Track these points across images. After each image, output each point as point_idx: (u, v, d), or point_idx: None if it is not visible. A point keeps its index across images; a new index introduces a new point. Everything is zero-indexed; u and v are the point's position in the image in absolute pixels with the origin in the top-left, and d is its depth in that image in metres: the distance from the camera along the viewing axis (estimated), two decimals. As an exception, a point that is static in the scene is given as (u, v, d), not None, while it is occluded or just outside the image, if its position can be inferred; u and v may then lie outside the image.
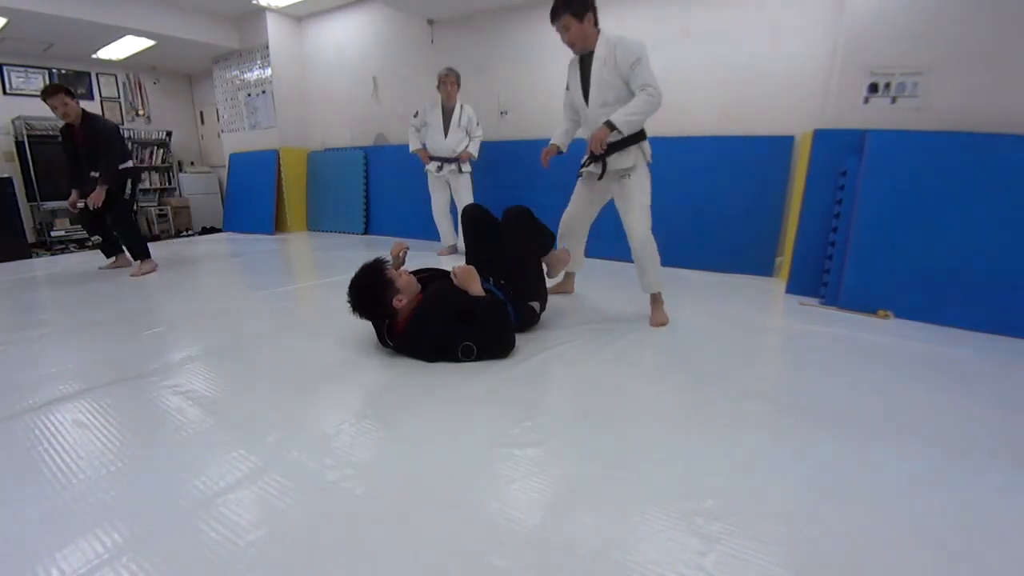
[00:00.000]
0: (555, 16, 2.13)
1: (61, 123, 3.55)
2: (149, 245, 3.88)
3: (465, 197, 3.99)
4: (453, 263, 2.18)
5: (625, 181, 2.24)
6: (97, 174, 3.47)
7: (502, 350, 1.88)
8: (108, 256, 3.90)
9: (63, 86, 3.39)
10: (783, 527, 1.01)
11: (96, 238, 3.79)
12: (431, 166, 3.97)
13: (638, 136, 2.19)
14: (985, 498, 1.12)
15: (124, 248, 3.82)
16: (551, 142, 2.43)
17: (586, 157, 2.31)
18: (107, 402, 1.57)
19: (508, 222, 2.23)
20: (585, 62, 2.20)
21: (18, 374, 1.82)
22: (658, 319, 2.31)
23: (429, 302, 1.90)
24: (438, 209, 4.15)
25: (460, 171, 3.96)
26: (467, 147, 3.94)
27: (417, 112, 3.97)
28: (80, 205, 3.57)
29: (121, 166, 3.55)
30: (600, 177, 2.28)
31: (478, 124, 4.00)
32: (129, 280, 3.45)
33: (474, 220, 2.34)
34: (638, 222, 2.21)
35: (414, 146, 4.01)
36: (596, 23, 2.15)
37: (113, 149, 3.48)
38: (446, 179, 4.01)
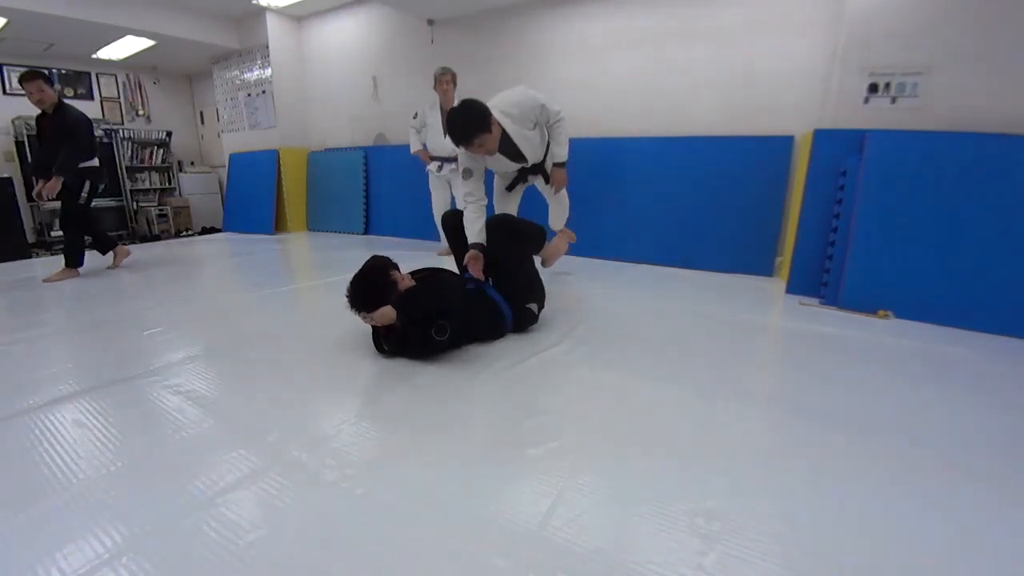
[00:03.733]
0: (467, 141, 2.18)
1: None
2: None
3: None
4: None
5: (558, 171, 2.64)
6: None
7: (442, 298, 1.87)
8: (103, 254, 3.83)
9: (42, 73, 3.31)
10: (783, 527, 1.01)
11: (87, 238, 3.67)
12: (432, 166, 3.97)
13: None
14: (985, 499, 1.12)
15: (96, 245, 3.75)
16: (474, 251, 2.16)
17: (513, 179, 2.75)
18: (107, 402, 1.57)
19: (491, 234, 2.19)
20: (504, 144, 2.39)
21: (18, 374, 1.82)
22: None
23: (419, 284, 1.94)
24: (438, 209, 4.14)
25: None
26: None
27: (416, 113, 3.96)
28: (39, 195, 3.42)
29: (83, 164, 3.41)
30: (548, 181, 2.70)
31: None
32: (51, 283, 3.32)
33: (454, 226, 2.32)
34: (563, 203, 2.82)
35: (415, 147, 4.01)
36: (493, 117, 2.25)
37: (76, 141, 3.33)
38: (447, 179, 4.01)
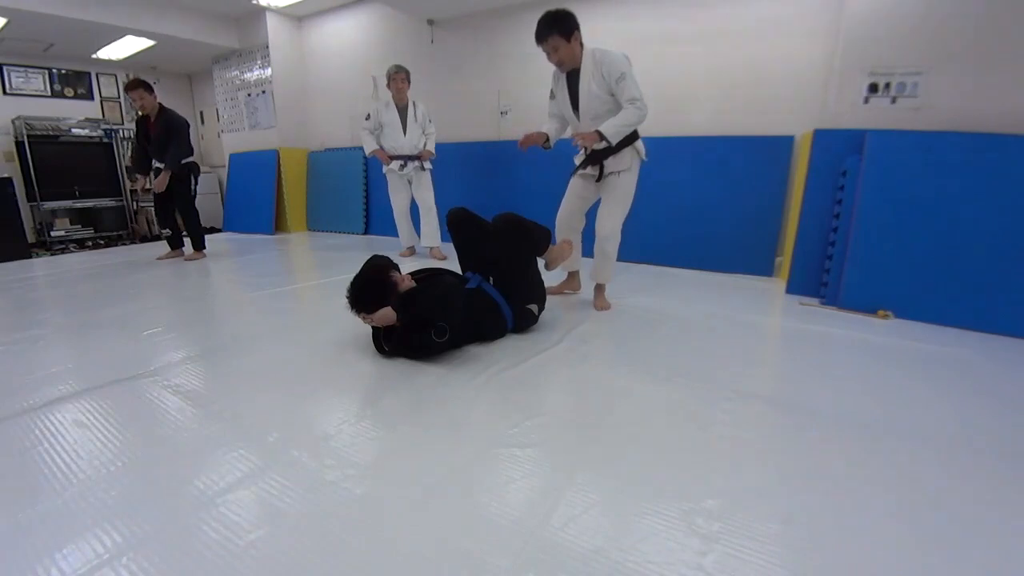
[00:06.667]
0: (542, 37, 2.22)
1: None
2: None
3: (427, 196, 3.98)
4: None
5: (615, 178, 2.37)
6: (161, 164, 3.90)
7: (443, 311, 1.83)
8: (173, 248, 4.19)
9: (144, 81, 3.78)
10: (783, 527, 1.01)
11: (166, 231, 4.16)
12: (393, 165, 3.92)
13: (631, 137, 2.32)
14: (984, 499, 1.12)
15: (188, 238, 4.18)
16: (543, 128, 2.48)
17: (582, 159, 2.45)
18: (107, 402, 1.57)
19: (498, 232, 2.14)
20: (571, 77, 2.31)
21: (18, 374, 1.82)
22: (602, 304, 2.55)
23: (417, 287, 1.93)
24: (400, 210, 4.12)
25: (423, 168, 3.96)
26: (426, 145, 3.93)
27: (368, 115, 3.91)
28: (146, 188, 4.07)
29: (184, 160, 3.92)
30: (598, 179, 2.43)
31: (431, 121, 3.98)
32: (169, 269, 3.80)
33: (461, 223, 2.25)
34: (613, 218, 2.40)
35: (371, 148, 3.92)
36: (581, 41, 2.26)
37: (180, 141, 3.86)
38: (408, 178, 3.99)
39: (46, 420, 1.46)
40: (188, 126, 4.00)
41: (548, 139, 2.44)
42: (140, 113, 3.91)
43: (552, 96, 2.49)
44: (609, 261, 2.49)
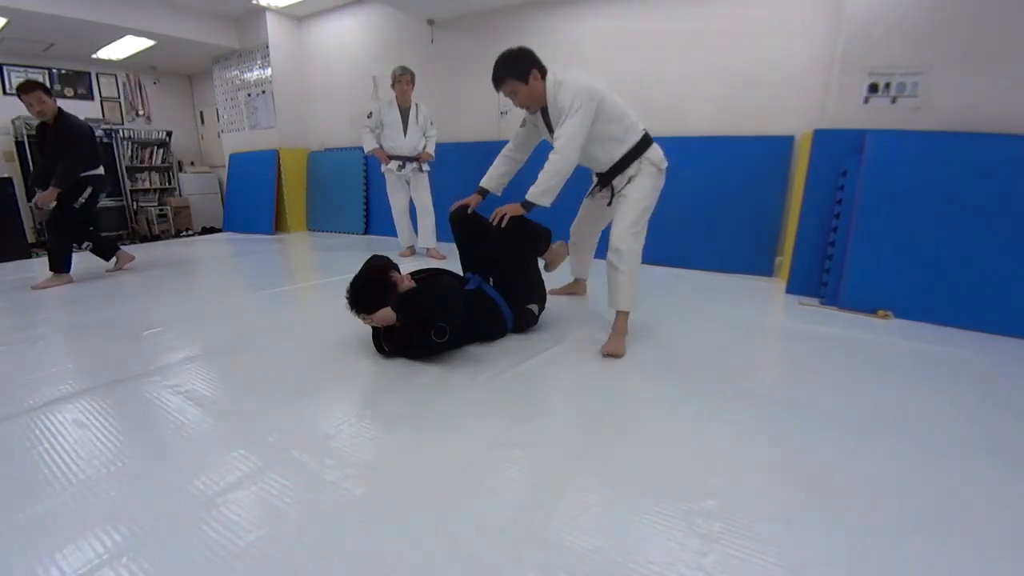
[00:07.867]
0: (498, 82, 2.08)
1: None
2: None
3: (424, 197, 4.00)
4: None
5: (627, 189, 2.05)
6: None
7: (443, 311, 1.81)
8: (106, 259, 3.73)
9: (40, 83, 3.20)
10: (783, 527, 1.01)
11: (86, 245, 3.57)
12: (392, 165, 3.93)
13: (638, 150, 2.02)
14: (983, 499, 1.12)
15: (100, 250, 3.67)
16: (481, 184, 2.27)
17: (596, 182, 2.28)
18: (107, 402, 1.58)
19: (499, 231, 2.07)
20: (545, 113, 2.10)
21: (18, 374, 1.82)
22: (613, 348, 1.94)
23: (417, 288, 1.92)
24: (398, 210, 4.13)
25: (420, 170, 3.97)
26: (426, 147, 3.94)
27: (371, 113, 3.92)
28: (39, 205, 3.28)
29: (84, 172, 3.33)
30: (609, 203, 2.15)
31: (432, 123, 3.99)
32: (40, 290, 3.20)
33: (462, 221, 2.24)
34: (619, 225, 2.04)
35: (370, 146, 3.94)
36: (542, 76, 2.03)
37: (75, 152, 3.25)
38: (406, 178, 4.01)
39: (46, 420, 1.46)
40: (90, 134, 3.40)
41: (486, 195, 2.25)
42: (39, 120, 3.25)
43: (523, 124, 2.29)
44: (617, 277, 2.03)
